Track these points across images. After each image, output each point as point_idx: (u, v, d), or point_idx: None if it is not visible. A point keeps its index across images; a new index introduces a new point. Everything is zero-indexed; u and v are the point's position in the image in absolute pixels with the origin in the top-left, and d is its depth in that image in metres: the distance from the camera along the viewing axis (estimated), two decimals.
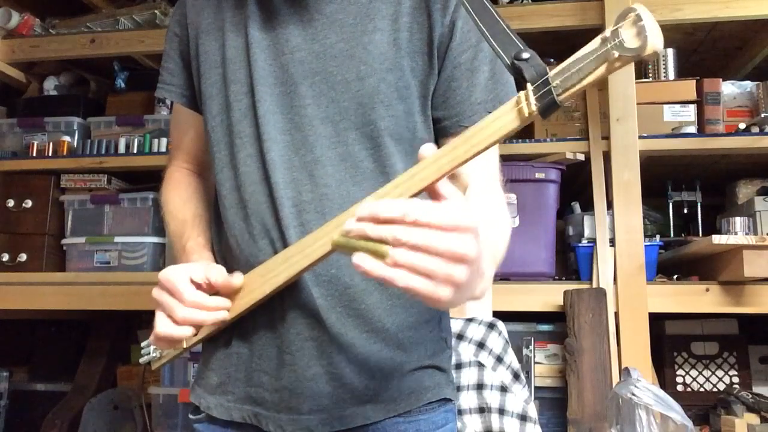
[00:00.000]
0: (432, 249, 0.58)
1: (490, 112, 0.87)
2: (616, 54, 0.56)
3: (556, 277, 2.11)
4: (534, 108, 0.60)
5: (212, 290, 0.84)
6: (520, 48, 0.65)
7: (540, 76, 0.60)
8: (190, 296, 0.81)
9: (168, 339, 0.82)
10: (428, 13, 0.88)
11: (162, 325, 0.82)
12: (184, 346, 0.94)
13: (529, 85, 0.61)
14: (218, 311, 0.83)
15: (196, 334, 0.87)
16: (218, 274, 0.84)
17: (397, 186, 0.68)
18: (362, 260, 0.59)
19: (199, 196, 1.05)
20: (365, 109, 0.87)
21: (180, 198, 1.03)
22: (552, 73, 0.60)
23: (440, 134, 0.93)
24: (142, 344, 1.02)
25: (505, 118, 0.62)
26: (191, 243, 0.95)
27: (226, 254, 0.93)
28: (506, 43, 0.68)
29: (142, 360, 1.01)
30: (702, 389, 2.10)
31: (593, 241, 2.02)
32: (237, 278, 0.85)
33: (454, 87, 0.89)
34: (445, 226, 0.58)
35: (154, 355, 1.00)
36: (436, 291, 0.58)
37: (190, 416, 0.96)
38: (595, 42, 0.57)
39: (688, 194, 2.33)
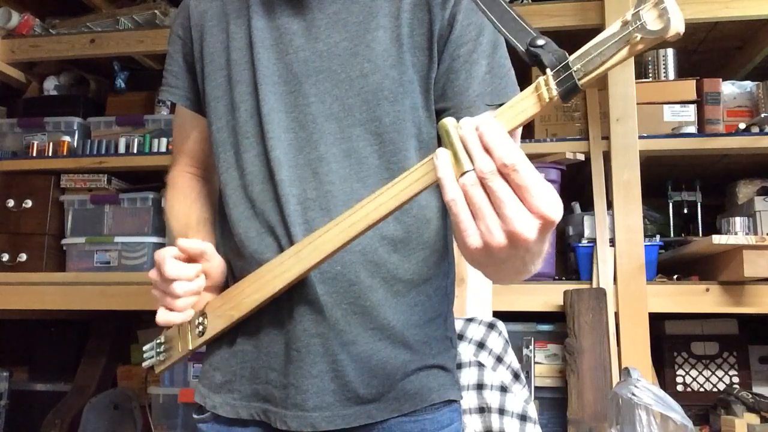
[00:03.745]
0: (505, 207, 0.56)
1: (487, 105, 0.87)
2: (639, 36, 0.55)
3: (556, 277, 2.11)
4: (555, 93, 0.59)
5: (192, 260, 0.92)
6: (533, 35, 0.65)
7: (559, 62, 0.60)
8: (170, 269, 0.88)
9: (173, 318, 0.90)
10: (428, 8, 0.89)
11: (163, 302, 0.90)
12: (190, 348, 0.94)
13: (548, 70, 0.60)
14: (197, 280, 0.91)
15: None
16: (190, 243, 0.91)
17: (411, 172, 0.67)
18: (441, 155, 0.60)
19: (202, 200, 1.05)
20: (370, 105, 0.87)
21: (184, 203, 1.04)
22: (572, 57, 0.59)
23: None
24: (144, 348, 1.02)
25: (523, 104, 0.61)
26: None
27: (231, 254, 0.93)
28: (519, 31, 0.67)
29: (145, 364, 1.01)
30: (702, 389, 2.10)
31: (593, 241, 2.02)
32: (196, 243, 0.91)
33: (452, 79, 0.89)
34: (540, 203, 0.56)
35: (158, 358, 0.99)
36: (485, 238, 0.58)
37: (194, 416, 0.96)
38: (616, 25, 0.57)
39: (688, 194, 2.33)
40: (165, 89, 1.05)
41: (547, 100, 0.60)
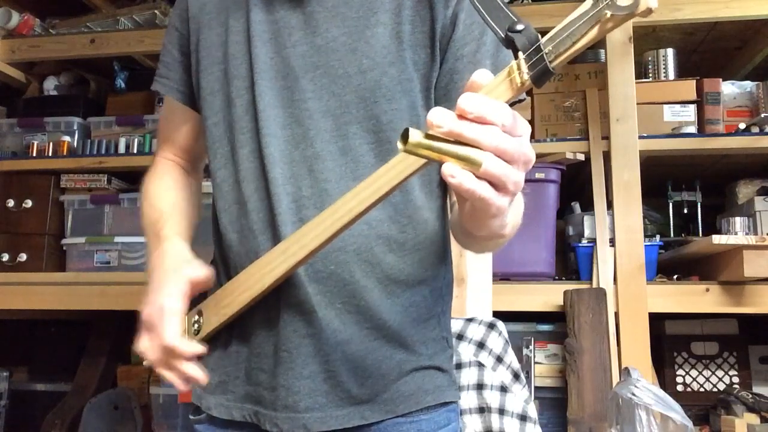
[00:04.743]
0: (520, 158, 0.57)
1: None
2: (609, 14, 0.53)
3: (556, 277, 2.11)
4: (526, 77, 0.57)
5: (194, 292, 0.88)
6: (513, 20, 0.63)
7: (532, 44, 0.58)
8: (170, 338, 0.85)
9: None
10: (430, 5, 0.88)
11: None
12: None
13: (520, 53, 0.58)
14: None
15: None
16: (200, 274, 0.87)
17: (392, 167, 0.67)
18: (455, 171, 0.55)
19: (180, 187, 1.03)
20: (367, 103, 0.86)
21: (159, 188, 1.02)
22: (544, 39, 0.57)
23: None
24: None
25: (496, 91, 0.59)
26: (166, 230, 0.94)
27: (227, 252, 0.93)
28: (501, 18, 0.65)
29: (145, 363, 1.01)
30: (702, 389, 2.10)
31: (593, 241, 2.02)
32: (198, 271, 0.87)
33: (456, 80, 0.88)
34: (523, 130, 0.58)
35: None
36: (505, 200, 0.58)
37: (191, 417, 0.96)
38: (587, 4, 0.55)
39: (688, 194, 2.34)
40: (158, 80, 1.04)
41: (519, 84, 0.58)
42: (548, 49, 0.57)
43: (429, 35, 0.88)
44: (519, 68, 0.58)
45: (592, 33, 0.55)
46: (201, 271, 0.88)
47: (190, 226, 1.00)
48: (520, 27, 0.61)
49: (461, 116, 0.55)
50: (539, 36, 0.59)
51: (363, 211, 0.70)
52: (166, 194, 1.00)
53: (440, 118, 0.55)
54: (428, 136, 0.56)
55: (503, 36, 0.63)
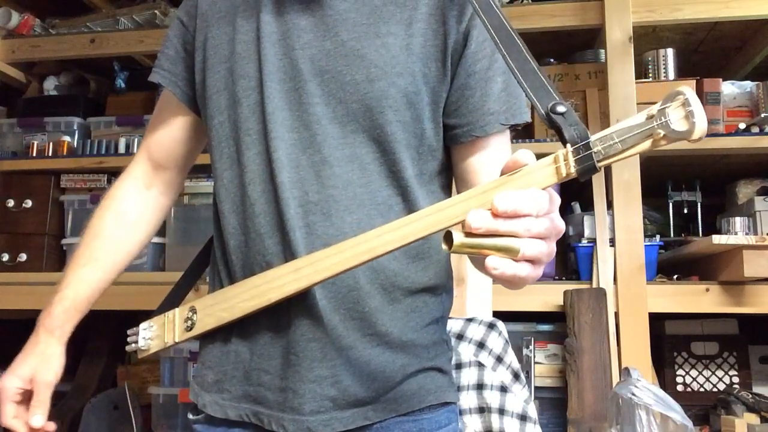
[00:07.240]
0: (552, 233, 0.61)
1: (502, 124, 0.88)
2: (662, 133, 0.55)
3: (556, 277, 2.11)
4: (573, 170, 0.60)
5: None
6: (555, 99, 0.66)
7: (581, 139, 0.60)
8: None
9: None
10: (443, 20, 0.88)
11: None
12: (176, 340, 0.94)
13: (569, 145, 0.61)
14: None
15: None
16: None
17: (420, 218, 0.67)
18: (497, 263, 0.59)
19: (119, 232, 1.05)
20: (373, 112, 0.86)
21: (102, 225, 1.04)
22: (594, 138, 0.59)
23: (452, 142, 0.92)
24: (129, 332, 1.01)
25: (541, 173, 0.61)
26: (58, 307, 1.05)
27: (231, 253, 0.92)
28: (539, 88, 0.69)
29: (128, 348, 1.01)
30: (702, 389, 2.10)
31: (593, 241, 2.01)
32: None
33: (467, 95, 0.89)
34: (552, 207, 0.61)
35: (141, 345, 0.99)
36: (540, 270, 0.62)
37: (190, 416, 0.96)
38: (641, 116, 0.57)
39: (688, 194, 2.33)
40: (157, 71, 1.03)
41: (564, 175, 0.60)
42: (597, 149, 0.59)
43: (441, 49, 0.88)
44: (566, 159, 0.60)
45: (644, 145, 0.57)
46: (49, 376, 1.03)
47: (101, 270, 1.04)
48: (561, 109, 0.64)
49: (495, 214, 0.58)
50: (587, 131, 0.61)
51: (383, 254, 0.71)
52: (98, 239, 1.04)
53: (477, 221, 0.59)
54: (468, 235, 0.60)
55: (544, 114, 0.66)
